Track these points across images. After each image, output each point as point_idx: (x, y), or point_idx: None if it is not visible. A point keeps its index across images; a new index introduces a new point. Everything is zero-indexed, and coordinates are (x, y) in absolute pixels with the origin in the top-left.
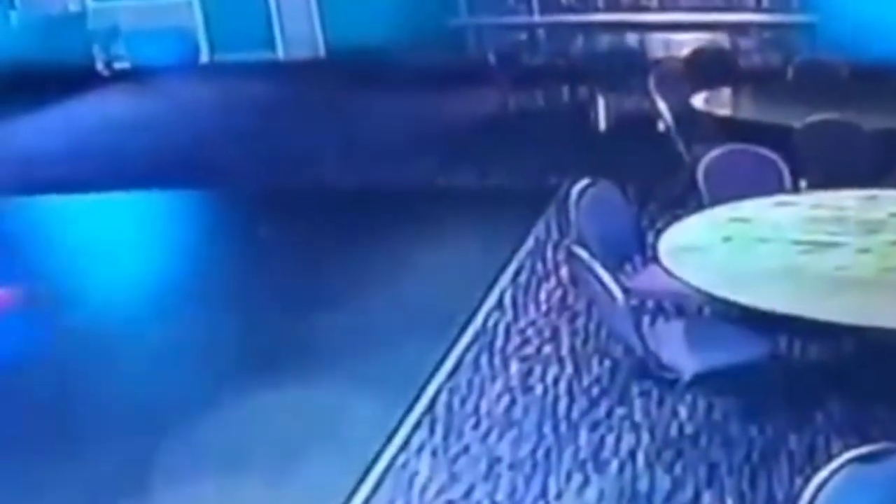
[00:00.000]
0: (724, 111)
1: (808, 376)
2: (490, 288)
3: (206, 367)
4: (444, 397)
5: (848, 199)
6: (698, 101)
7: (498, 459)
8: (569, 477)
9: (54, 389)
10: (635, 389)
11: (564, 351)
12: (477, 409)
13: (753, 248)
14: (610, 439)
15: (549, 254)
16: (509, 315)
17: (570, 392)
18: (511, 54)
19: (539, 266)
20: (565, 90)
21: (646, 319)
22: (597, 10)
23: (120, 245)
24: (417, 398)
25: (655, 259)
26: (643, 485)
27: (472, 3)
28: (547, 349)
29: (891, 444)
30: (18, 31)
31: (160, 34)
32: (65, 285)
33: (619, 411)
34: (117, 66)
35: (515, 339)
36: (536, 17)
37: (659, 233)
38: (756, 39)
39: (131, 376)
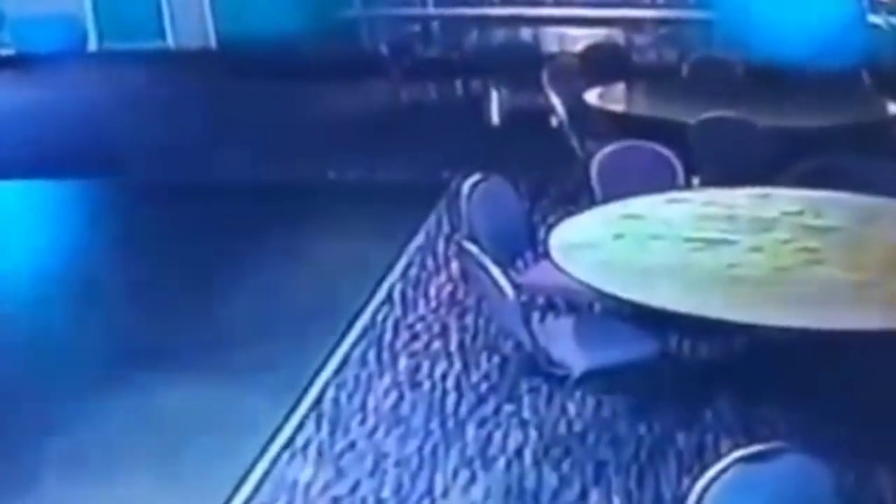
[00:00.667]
0: (618, 107)
1: (697, 374)
2: (379, 282)
3: (85, 361)
4: (331, 393)
5: (740, 197)
6: (592, 96)
7: (384, 455)
8: (455, 474)
9: None
10: (524, 386)
11: (453, 346)
12: (364, 404)
13: (645, 245)
14: (498, 436)
15: (440, 248)
16: (398, 310)
17: (458, 388)
18: (404, 46)
19: (429, 261)
20: (459, 83)
21: (536, 316)
22: (491, 3)
23: (6, 236)
24: (304, 393)
25: (547, 255)
26: (530, 482)
27: None
28: (436, 345)
29: (779, 443)
30: None
31: (46, 20)
32: None
33: (508, 408)
34: (2, 52)
35: (404, 335)
36: (431, 10)
37: (551, 228)
38: (651, 35)
39: (5, 370)
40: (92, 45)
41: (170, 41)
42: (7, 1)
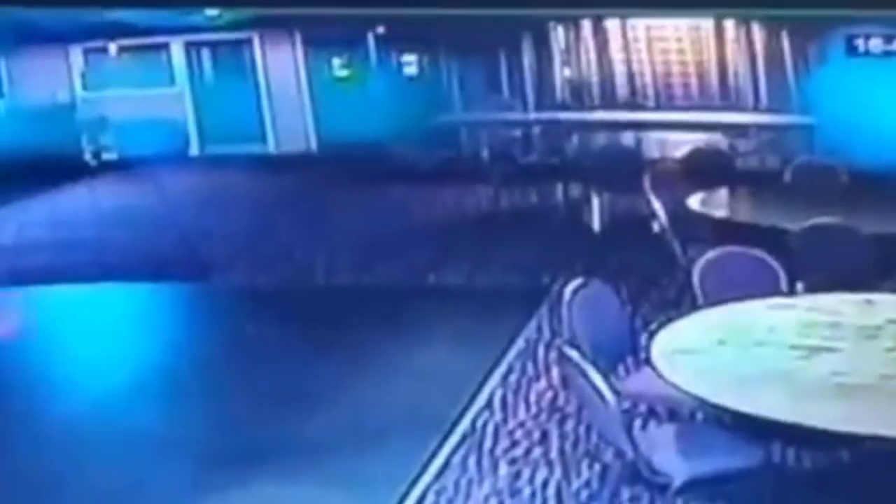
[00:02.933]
0: (721, 213)
1: (802, 485)
2: (480, 388)
3: (191, 463)
4: (430, 499)
5: (845, 304)
6: (694, 201)
7: None
8: None
9: (40, 478)
10: (625, 494)
11: (554, 454)
12: None
13: (748, 352)
14: None
15: (541, 354)
16: (498, 416)
17: (558, 496)
18: (505, 151)
19: (530, 366)
20: (559, 188)
21: (637, 423)
22: (593, 108)
23: (106, 338)
24: (404, 499)
25: (648, 361)
26: None
27: (466, 98)
28: (536, 451)
29: None
30: (6, 120)
31: (149, 125)
32: (48, 377)
33: None
34: (105, 156)
35: (504, 441)
36: (531, 114)
37: (652, 334)
38: (754, 140)
39: (117, 470)
40: (193, 149)
41: (270, 145)
42: (111, 105)
